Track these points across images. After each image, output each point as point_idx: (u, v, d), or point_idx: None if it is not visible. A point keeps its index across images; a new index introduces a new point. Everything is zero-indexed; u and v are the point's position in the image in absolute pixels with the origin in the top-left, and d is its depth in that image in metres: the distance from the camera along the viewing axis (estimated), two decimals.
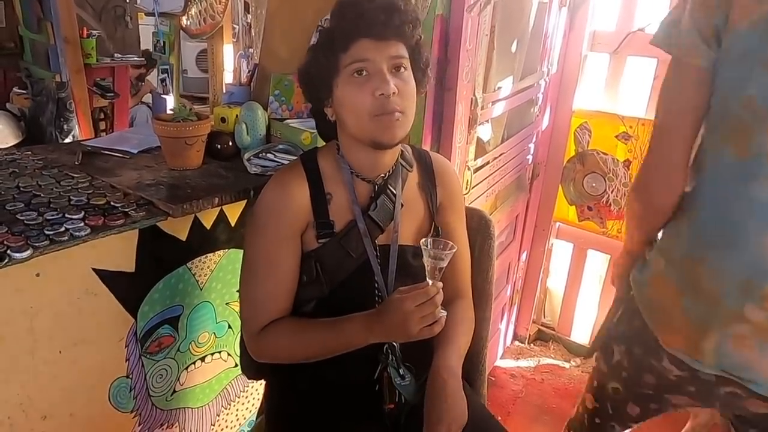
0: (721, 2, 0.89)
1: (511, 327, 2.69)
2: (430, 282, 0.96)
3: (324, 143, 1.21)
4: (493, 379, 2.45)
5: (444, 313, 0.97)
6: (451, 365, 1.08)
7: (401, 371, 1.10)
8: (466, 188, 1.75)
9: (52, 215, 1.09)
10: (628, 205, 1.12)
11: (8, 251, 0.94)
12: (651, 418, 1.19)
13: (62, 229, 1.03)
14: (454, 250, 0.96)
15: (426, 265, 0.96)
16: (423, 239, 0.96)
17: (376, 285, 1.12)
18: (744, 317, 0.93)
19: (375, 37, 0.99)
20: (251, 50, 2.43)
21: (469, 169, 1.74)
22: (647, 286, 1.07)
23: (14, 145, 3.25)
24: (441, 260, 0.95)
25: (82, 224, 1.06)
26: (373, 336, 1.01)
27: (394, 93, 0.99)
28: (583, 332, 2.64)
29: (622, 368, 1.15)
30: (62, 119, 3.31)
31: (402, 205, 1.14)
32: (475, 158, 1.80)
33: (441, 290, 0.96)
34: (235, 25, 3.49)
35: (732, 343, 0.95)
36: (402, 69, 1.03)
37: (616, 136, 2.29)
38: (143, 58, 3.98)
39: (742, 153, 0.91)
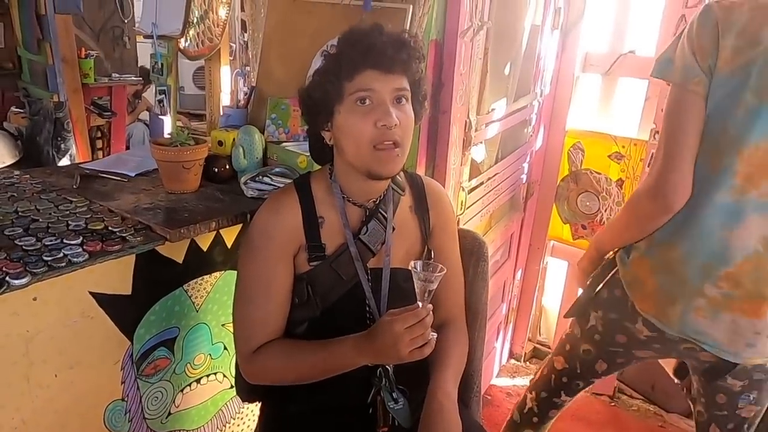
0: (713, 51, 1.13)
1: (507, 345, 2.70)
2: (420, 304, 0.97)
3: (318, 166, 1.23)
4: (489, 397, 2.45)
5: (434, 335, 0.98)
6: (447, 389, 1.09)
7: (394, 395, 1.10)
8: (461, 209, 1.77)
9: (51, 241, 1.10)
10: (631, 210, 1.29)
11: (7, 278, 0.95)
12: (613, 373, 1.49)
13: (60, 254, 1.04)
14: (443, 273, 0.97)
15: (416, 287, 0.97)
16: (412, 262, 0.98)
17: (367, 308, 1.13)
18: (703, 293, 1.20)
19: (381, 69, 1.01)
20: (248, 69, 2.46)
21: (463, 189, 1.77)
22: (631, 264, 1.30)
23: (11, 165, 3.26)
24: (431, 283, 0.96)
25: (80, 250, 1.07)
26: (363, 358, 1.02)
27: (395, 125, 1.01)
28: None
29: (595, 332, 1.39)
30: (59, 138, 3.32)
31: (393, 229, 1.15)
32: (470, 179, 1.82)
33: (431, 312, 0.97)
34: (232, 44, 3.54)
35: (693, 313, 1.21)
36: (403, 101, 1.05)
37: (609, 156, 2.32)
38: (140, 77, 4.02)
39: (714, 168, 1.16)
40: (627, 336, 1.33)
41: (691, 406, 1.43)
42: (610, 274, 1.37)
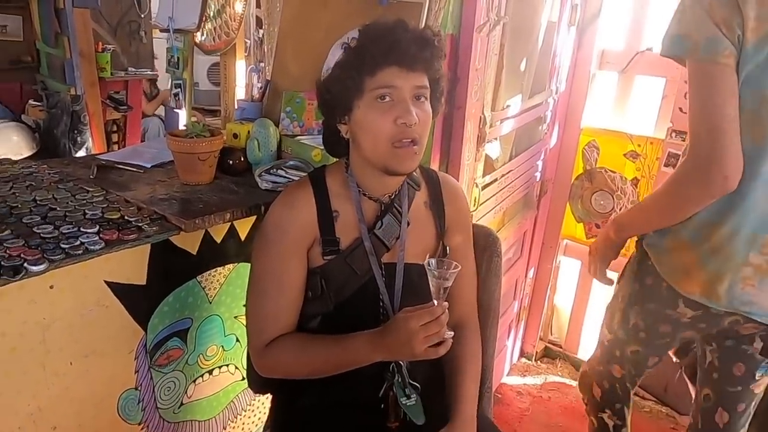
0: (738, 21, 1.10)
1: (518, 344, 2.69)
2: (436, 302, 0.97)
3: (332, 159, 1.23)
4: (499, 396, 2.44)
5: (451, 335, 0.97)
6: (467, 419, 1.12)
7: (407, 390, 1.10)
8: (474, 205, 1.76)
9: (68, 229, 1.11)
10: (676, 193, 1.24)
11: (25, 264, 0.96)
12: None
13: (77, 242, 1.05)
14: (457, 270, 0.96)
15: (431, 285, 0.97)
16: (426, 259, 0.97)
17: (381, 303, 1.13)
18: (749, 262, 1.20)
19: (404, 66, 1.00)
20: (262, 64, 2.46)
21: (477, 186, 1.76)
22: (670, 250, 1.28)
23: (28, 157, 3.30)
24: (445, 280, 0.96)
25: (96, 238, 1.08)
26: (377, 354, 1.02)
27: (415, 123, 1.01)
28: (590, 350, 2.62)
29: (638, 329, 1.39)
30: (76, 131, 3.36)
31: (408, 224, 1.15)
32: (483, 175, 1.81)
33: (447, 310, 0.97)
34: (247, 40, 3.54)
35: (740, 284, 1.21)
36: (423, 99, 1.04)
37: (625, 155, 2.30)
38: (156, 72, 4.05)
39: (757, 139, 1.14)
40: (671, 324, 1.34)
41: (696, 392, 1.43)
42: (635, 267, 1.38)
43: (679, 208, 1.24)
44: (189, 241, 1.33)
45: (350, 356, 1.05)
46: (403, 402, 1.10)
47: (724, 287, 1.22)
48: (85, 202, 1.26)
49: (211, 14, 2.47)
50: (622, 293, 1.44)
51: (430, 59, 1.03)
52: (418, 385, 1.11)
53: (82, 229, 1.11)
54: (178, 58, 2.68)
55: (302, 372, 1.11)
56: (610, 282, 1.49)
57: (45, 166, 1.50)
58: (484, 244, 1.36)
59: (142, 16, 3.94)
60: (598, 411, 1.61)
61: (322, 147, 1.24)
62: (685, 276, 1.26)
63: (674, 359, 1.58)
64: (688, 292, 1.26)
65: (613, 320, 1.48)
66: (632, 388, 1.54)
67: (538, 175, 2.36)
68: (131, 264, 1.22)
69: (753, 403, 1.35)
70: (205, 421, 1.53)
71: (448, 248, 1.20)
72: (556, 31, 2.11)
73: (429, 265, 0.96)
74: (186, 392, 1.44)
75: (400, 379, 1.10)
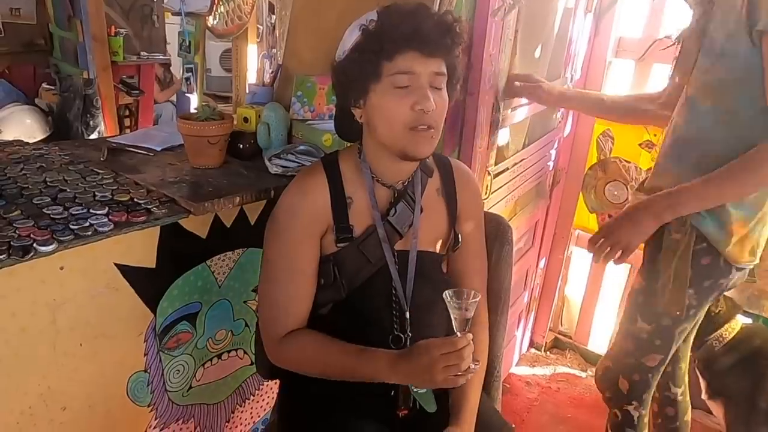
0: None
1: (528, 334, 2.67)
2: (459, 334, 0.96)
3: (343, 143, 1.21)
4: (507, 386, 2.43)
5: (476, 367, 0.97)
6: (467, 415, 1.11)
7: None
8: (486, 193, 1.74)
9: (77, 210, 1.11)
10: (756, 169, 1.24)
11: (34, 244, 0.96)
12: None
13: (87, 224, 1.05)
14: (477, 299, 0.96)
15: (452, 318, 0.96)
16: (445, 293, 0.96)
17: (393, 290, 1.12)
18: None
19: (424, 52, 0.98)
20: (275, 50, 2.44)
21: (489, 174, 1.74)
22: (725, 227, 1.33)
23: (41, 140, 3.32)
24: (466, 311, 0.95)
25: (106, 220, 1.08)
26: (395, 375, 1.01)
27: (432, 110, 0.99)
28: (600, 342, 2.61)
29: (691, 307, 1.42)
30: (88, 115, 3.38)
31: (421, 211, 1.14)
32: (496, 163, 1.79)
33: (471, 343, 0.96)
34: (259, 26, 3.52)
35: None
36: (441, 85, 1.03)
37: (640, 144, 2.26)
38: (168, 57, 4.04)
39: None
40: (719, 290, 1.42)
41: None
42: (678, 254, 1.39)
43: (759, 184, 1.28)
44: (199, 225, 1.32)
45: (367, 371, 1.04)
46: (416, 390, 1.09)
47: (761, 248, 1.38)
48: (95, 184, 1.26)
49: None
50: (663, 283, 1.41)
51: (450, 46, 1.01)
52: None
53: (91, 211, 1.11)
54: (189, 42, 2.66)
55: (315, 372, 1.10)
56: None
57: (56, 148, 1.50)
58: (496, 232, 1.35)
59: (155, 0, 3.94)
60: (624, 403, 1.60)
61: (333, 132, 1.22)
62: (740, 247, 1.35)
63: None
64: (744, 262, 1.37)
65: (653, 310, 1.46)
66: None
67: (551, 164, 2.33)
68: (141, 247, 1.22)
69: None
70: (213, 404, 1.53)
71: (460, 235, 1.19)
72: (572, 18, 2.07)
73: (448, 297, 0.96)
74: (195, 376, 1.45)
75: None
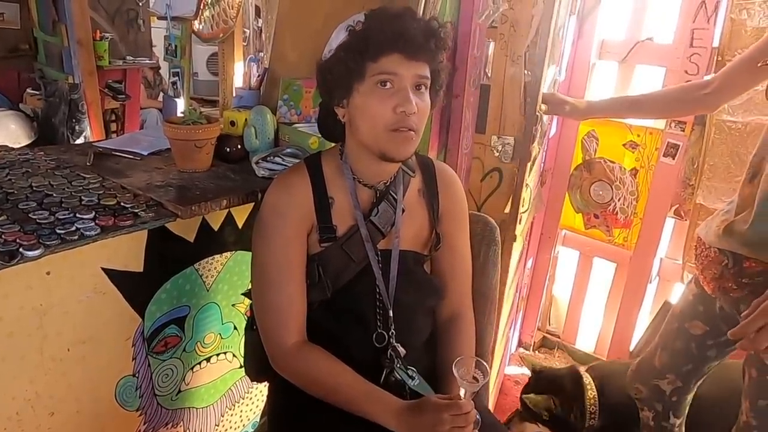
0: None
1: (516, 334, 2.69)
2: (464, 397, 0.97)
3: (329, 145, 1.22)
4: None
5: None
6: None
7: (410, 372, 1.10)
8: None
9: (64, 215, 1.10)
10: None
11: (20, 249, 0.96)
12: None
13: (73, 228, 1.05)
14: (487, 380, 0.96)
15: (462, 392, 0.97)
16: (453, 366, 0.96)
17: (377, 289, 1.13)
18: None
19: (408, 54, 1.00)
20: (261, 54, 2.45)
21: None
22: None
23: (26, 145, 3.29)
24: (476, 383, 0.96)
25: (92, 224, 1.07)
26: (399, 425, 1.01)
27: (414, 113, 1.01)
28: (588, 340, 2.63)
29: (697, 301, 1.44)
30: (74, 120, 3.34)
31: (403, 210, 1.15)
32: None
33: (474, 409, 0.97)
34: (245, 30, 3.52)
35: None
36: (423, 88, 1.04)
37: (624, 145, 2.29)
38: (155, 61, 4.01)
39: None
40: (724, 281, 1.38)
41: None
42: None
43: None
44: (186, 229, 1.32)
45: (371, 411, 1.03)
46: (411, 384, 1.09)
47: None
48: (81, 188, 1.26)
49: (209, 1, 2.46)
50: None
51: (434, 50, 1.03)
52: (413, 368, 1.11)
53: (78, 215, 1.10)
54: (175, 46, 2.66)
55: (318, 393, 1.08)
56: None
57: (42, 152, 1.49)
58: (483, 232, 1.36)
59: (140, 3, 3.91)
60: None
61: (319, 135, 1.23)
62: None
63: None
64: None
65: None
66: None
67: None
68: (128, 251, 1.22)
69: None
70: (202, 408, 1.53)
71: (441, 236, 1.20)
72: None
73: (455, 372, 0.96)
74: (184, 379, 1.45)
75: (400, 363, 1.11)
